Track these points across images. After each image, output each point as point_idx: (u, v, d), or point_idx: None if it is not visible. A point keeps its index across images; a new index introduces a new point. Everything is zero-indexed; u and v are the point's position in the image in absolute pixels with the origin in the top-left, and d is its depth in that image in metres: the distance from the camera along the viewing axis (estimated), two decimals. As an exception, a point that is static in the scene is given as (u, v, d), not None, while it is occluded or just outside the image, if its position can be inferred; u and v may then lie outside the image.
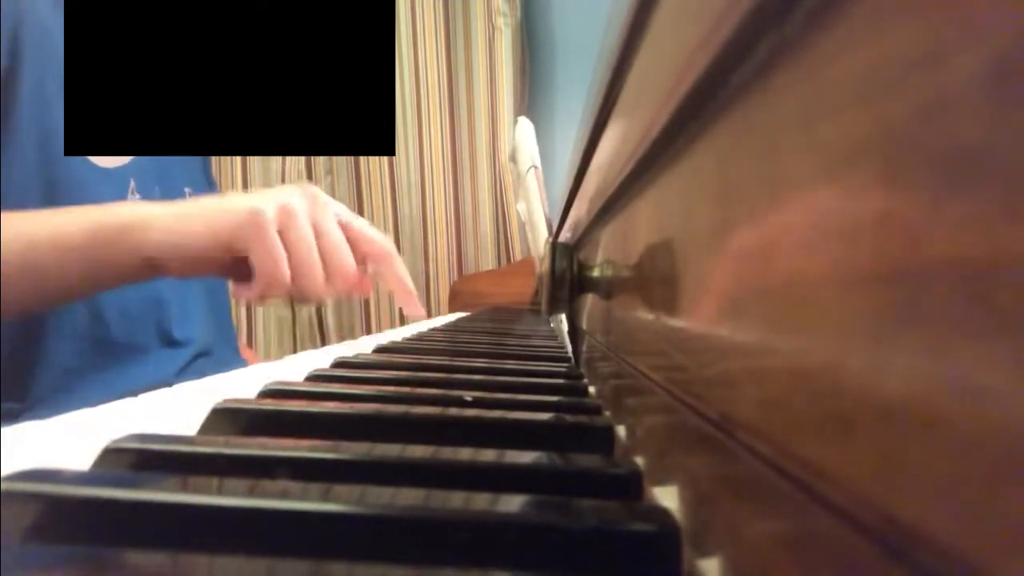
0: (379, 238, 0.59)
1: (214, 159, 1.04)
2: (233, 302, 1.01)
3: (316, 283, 0.54)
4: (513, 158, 1.01)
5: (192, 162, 0.85)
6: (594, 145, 0.36)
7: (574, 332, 0.63)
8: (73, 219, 0.55)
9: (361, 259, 0.57)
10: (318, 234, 0.55)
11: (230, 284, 0.58)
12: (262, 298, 0.55)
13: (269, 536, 0.17)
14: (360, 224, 0.58)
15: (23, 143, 0.64)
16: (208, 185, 0.91)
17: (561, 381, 0.42)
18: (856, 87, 0.09)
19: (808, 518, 0.10)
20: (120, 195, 0.71)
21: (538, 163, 0.92)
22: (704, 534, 0.16)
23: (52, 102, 0.65)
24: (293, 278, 0.54)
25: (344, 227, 0.56)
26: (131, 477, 0.20)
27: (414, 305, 0.62)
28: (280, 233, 0.53)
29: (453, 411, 0.29)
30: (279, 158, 1.91)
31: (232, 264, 0.56)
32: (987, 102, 0.07)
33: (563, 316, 0.72)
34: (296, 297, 0.56)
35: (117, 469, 0.21)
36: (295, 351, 1.66)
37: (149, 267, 0.55)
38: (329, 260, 0.55)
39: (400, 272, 0.61)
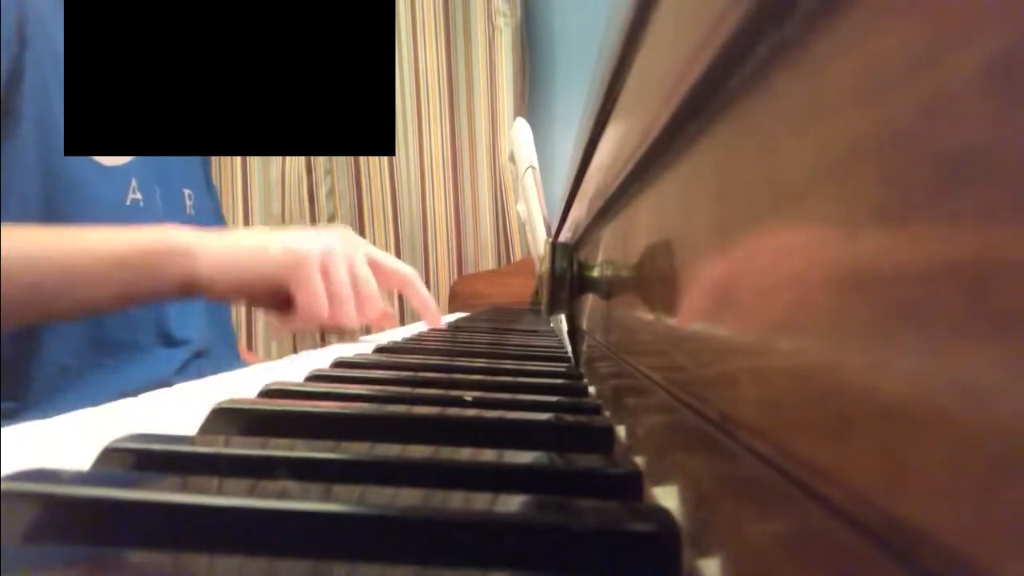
0: (401, 268, 0.68)
1: (214, 159, 1.04)
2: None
3: (349, 318, 0.61)
4: (512, 159, 1.01)
5: (192, 162, 0.85)
6: (594, 145, 0.36)
7: (574, 332, 0.63)
8: (123, 237, 0.58)
9: (387, 288, 0.66)
10: (351, 272, 0.62)
11: (270, 317, 0.64)
12: (302, 329, 0.63)
13: (269, 536, 0.17)
14: (385, 258, 0.67)
15: (25, 142, 0.64)
16: (208, 186, 0.91)
17: (561, 381, 0.42)
18: (856, 87, 0.09)
19: (808, 518, 0.10)
20: (121, 194, 0.71)
21: (535, 164, 0.91)
22: (704, 534, 0.16)
23: (54, 102, 0.65)
24: (329, 313, 0.60)
25: (371, 263, 0.64)
26: (131, 477, 0.20)
27: (436, 320, 0.76)
28: (321, 272, 0.59)
29: (453, 411, 0.29)
30: (279, 158, 1.90)
31: (268, 296, 0.60)
32: (987, 102, 0.07)
33: (563, 316, 0.72)
34: (330, 328, 0.62)
35: (117, 469, 0.21)
36: (295, 351, 1.66)
37: (187, 289, 0.58)
38: (360, 294, 0.62)
39: (423, 294, 0.70)
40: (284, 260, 0.59)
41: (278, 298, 0.60)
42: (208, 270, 0.57)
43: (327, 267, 0.60)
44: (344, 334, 0.67)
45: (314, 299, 0.59)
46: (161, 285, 0.57)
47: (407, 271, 0.68)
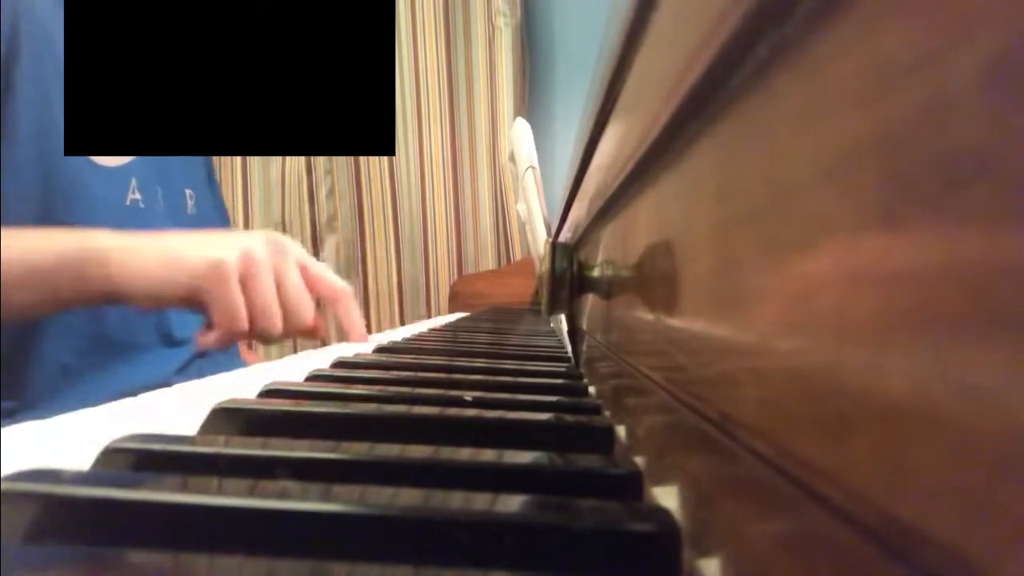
0: (335, 281, 0.62)
1: (214, 159, 1.04)
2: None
3: (275, 328, 0.56)
4: (512, 159, 1.01)
5: (193, 162, 0.85)
6: (594, 145, 0.36)
7: (574, 332, 0.63)
8: (45, 243, 0.56)
9: (317, 301, 0.60)
10: (279, 281, 0.57)
11: (195, 334, 0.60)
12: (221, 346, 0.57)
13: (269, 536, 0.17)
14: (318, 268, 0.61)
15: (23, 142, 0.64)
16: (210, 185, 0.91)
17: (561, 381, 0.42)
18: (856, 87, 0.09)
19: (808, 518, 0.10)
20: (121, 194, 0.71)
21: (536, 164, 0.91)
22: (704, 534, 0.16)
23: (52, 101, 0.65)
24: (252, 324, 0.55)
25: (302, 270, 0.59)
26: (131, 477, 0.20)
27: (361, 341, 0.64)
28: (242, 281, 0.55)
29: (453, 411, 0.29)
30: (279, 158, 1.90)
31: (192, 302, 0.57)
32: (987, 102, 0.07)
33: (563, 316, 0.72)
34: (255, 340, 0.58)
35: (117, 469, 0.21)
36: (295, 351, 1.66)
37: (108, 298, 0.56)
38: (288, 305, 0.57)
39: (354, 313, 0.63)
40: (199, 269, 0.55)
41: (203, 307, 0.57)
42: (121, 280, 0.55)
43: (249, 276, 0.55)
44: (269, 344, 0.62)
45: (228, 311, 0.55)
46: (82, 294, 0.55)
47: (341, 285, 0.62)
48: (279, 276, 0.57)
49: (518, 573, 0.16)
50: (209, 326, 0.57)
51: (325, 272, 0.61)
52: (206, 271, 0.54)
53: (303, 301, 0.58)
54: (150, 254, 0.56)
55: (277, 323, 0.56)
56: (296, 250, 0.60)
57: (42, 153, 0.65)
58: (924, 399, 0.08)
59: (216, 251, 0.55)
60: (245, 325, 0.55)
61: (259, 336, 0.56)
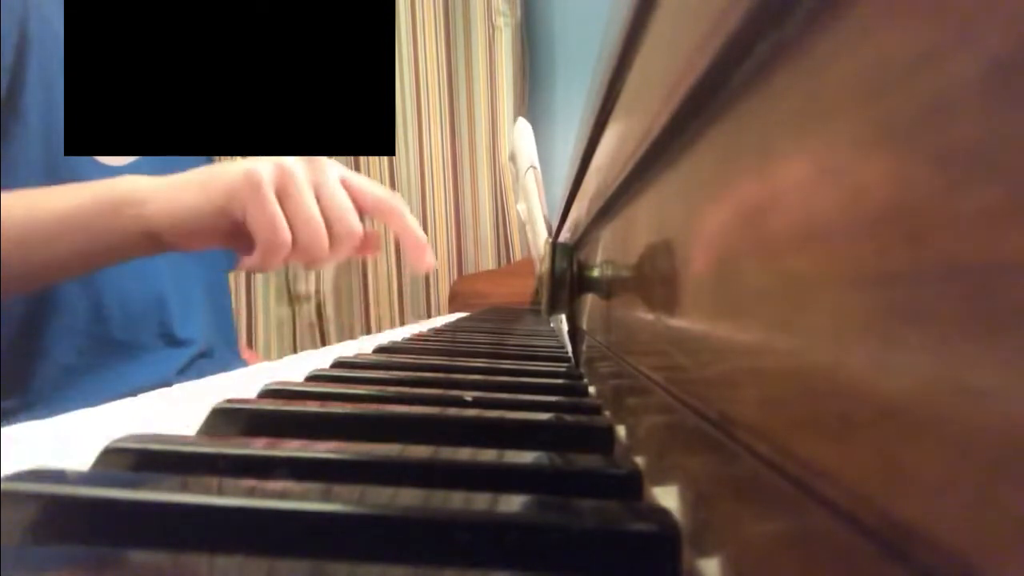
0: (384, 193, 0.57)
1: (216, 159, 1.04)
2: (232, 302, 1.00)
3: (320, 245, 0.52)
4: (513, 159, 1.01)
5: (197, 161, 0.85)
6: (594, 145, 0.36)
7: (574, 332, 0.63)
8: (71, 194, 0.53)
9: (366, 215, 0.56)
10: (320, 195, 0.52)
11: (237, 259, 0.55)
12: (266, 266, 0.53)
13: (269, 536, 0.17)
14: (362, 181, 0.56)
15: (29, 141, 0.64)
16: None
17: (561, 381, 0.42)
18: (856, 87, 0.09)
19: (808, 518, 0.10)
20: None
21: (536, 164, 0.92)
22: (704, 534, 0.16)
23: (58, 101, 0.65)
24: (296, 242, 0.51)
25: (346, 185, 0.54)
26: (131, 477, 0.20)
27: (424, 257, 0.59)
28: (279, 196, 0.51)
29: (453, 411, 0.29)
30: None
31: (233, 233, 0.53)
32: (987, 102, 0.07)
33: (563, 316, 0.72)
34: (303, 262, 0.53)
35: (117, 469, 0.21)
36: (295, 351, 1.66)
37: (149, 240, 0.53)
38: (333, 221, 0.52)
39: (410, 224, 0.58)
40: (233, 182, 0.51)
41: (248, 235, 0.52)
42: (157, 216, 0.52)
43: (285, 187, 0.51)
44: (319, 266, 0.55)
45: (267, 222, 0.50)
46: (122, 239, 0.52)
47: (391, 197, 0.57)
48: (318, 188, 0.53)
49: (518, 573, 0.16)
50: (249, 251, 0.53)
51: (370, 184, 0.57)
52: (240, 182, 0.51)
53: (346, 212, 0.53)
54: (182, 183, 0.53)
55: (321, 236, 0.52)
56: (338, 168, 0.55)
57: (48, 152, 0.65)
58: (924, 398, 0.08)
59: (250, 165, 0.52)
60: (286, 236, 0.51)
61: (306, 254, 0.52)
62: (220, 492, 0.18)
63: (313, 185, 0.52)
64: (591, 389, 0.40)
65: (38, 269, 0.54)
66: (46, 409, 0.28)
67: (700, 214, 0.18)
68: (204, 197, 0.52)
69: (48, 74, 0.65)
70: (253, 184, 0.51)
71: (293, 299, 1.93)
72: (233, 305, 1.15)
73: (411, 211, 0.60)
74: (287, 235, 0.51)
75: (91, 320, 0.69)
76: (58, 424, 0.28)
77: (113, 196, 0.53)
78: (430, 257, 0.60)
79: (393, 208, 0.57)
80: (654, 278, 0.24)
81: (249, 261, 0.53)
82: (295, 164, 0.53)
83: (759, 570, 0.12)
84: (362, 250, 0.56)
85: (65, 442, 0.25)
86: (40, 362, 0.66)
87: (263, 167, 0.52)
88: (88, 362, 0.68)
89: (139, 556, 0.15)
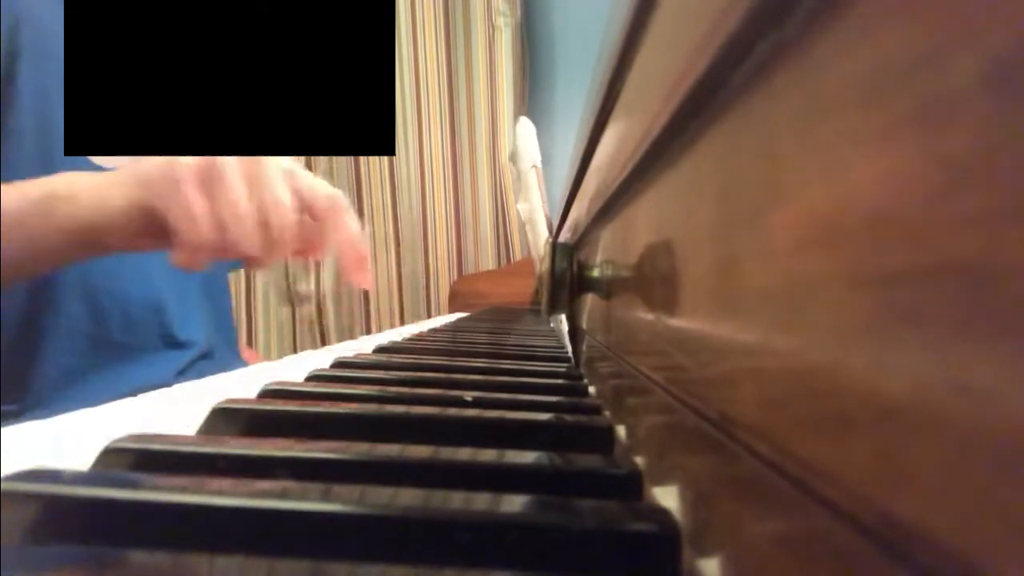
0: (326, 189, 0.52)
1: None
2: (232, 302, 1.00)
3: (251, 241, 0.47)
4: (513, 158, 1.01)
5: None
6: (594, 145, 0.36)
7: (574, 332, 0.63)
8: (13, 192, 0.51)
9: (311, 214, 0.51)
10: (253, 186, 0.48)
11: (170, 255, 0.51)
12: (192, 263, 0.49)
13: (269, 536, 0.17)
14: (304, 176, 0.51)
15: (24, 142, 0.64)
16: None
17: (561, 381, 0.42)
18: (856, 87, 0.09)
19: (808, 518, 0.10)
20: None
21: (539, 163, 0.92)
22: (704, 534, 0.16)
23: (53, 102, 0.65)
24: (223, 234, 0.47)
25: (289, 180, 0.50)
26: (131, 477, 0.20)
27: (363, 271, 0.53)
28: (206, 189, 0.47)
29: (453, 411, 0.29)
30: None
31: (165, 229, 0.49)
32: (987, 102, 0.07)
33: (563, 316, 0.72)
34: (238, 258, 0.49)
35: (117, 469, 0.21)
36: (295, 351, 1.66)
37: (86, 242, 0.50)
38: (267, 214, 0.48)
39: (352, 233, 0.53)
40: (152, 177, 0.48)
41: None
42: (91, 212, 0.49)
43: (211, 179, 0.47)
44: (260, 266, 0.49)
45: (187, 218, 0.46)
46: (60, 237, 0.49)
47: (333, 194, 0.52)
48: (253, 181, 0.48)
49: (518, 573, 0.16)
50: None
51: (313, 180, 0.52)
52: (156, 176, 0.48)
53: (279, 206, 0.48)
54: (112, 179, 0.50)
55: (251, 231, 0.47)
56: (279, 159, 0.51)
57: (43, 153, 0.65)
58: (924, 398, 0.08)
59: (174, 157, 0.48)
60: (206, 229, 0.46)
61: (237, 250, 0.48)
62: (220, 492, 0.18)
63: (246, 178, 0.48)
64: (591, 389, 0.40)
65: None
66: (46, 411, 0.28)
67: (700, 214, 0.18)
68: (126, 191, 0.49)
69: (42, 75, 0.65)
70: (170, 176, 0.47)
71: (293, 299, 1.94)
72: (233, 305, 1.15)
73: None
74: (208, 229, 0.47)
75: (91, 322, 0.68)
76: (58, 424, 0.28)
77: (46, 191, 0.50)
78: (369, 276, 0.55)
79: (333, 206, 0.52)
80: (654, 278, 0.24)
81: (174, 257, 0.49)
82: (226, 156, 0.49)
83: (759, 570, 0.12)
84: (308, 251, 0.52)
85: (65, 442, 0.25)
86: (40, 364, 0.66)
87: (188, 159, 0.48)
88: (88, 364, 0.68)
89: (139, 556, 0.15)
